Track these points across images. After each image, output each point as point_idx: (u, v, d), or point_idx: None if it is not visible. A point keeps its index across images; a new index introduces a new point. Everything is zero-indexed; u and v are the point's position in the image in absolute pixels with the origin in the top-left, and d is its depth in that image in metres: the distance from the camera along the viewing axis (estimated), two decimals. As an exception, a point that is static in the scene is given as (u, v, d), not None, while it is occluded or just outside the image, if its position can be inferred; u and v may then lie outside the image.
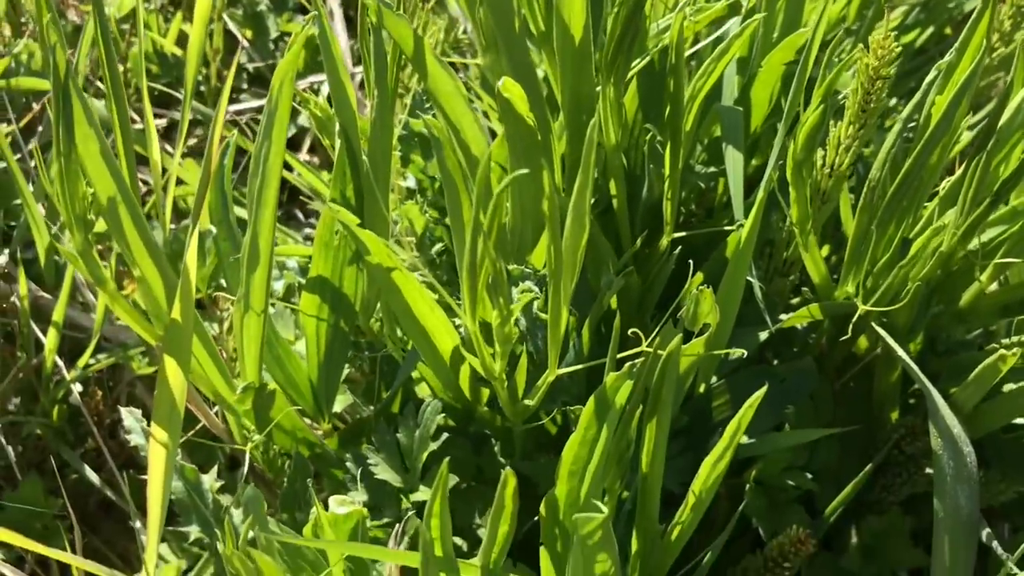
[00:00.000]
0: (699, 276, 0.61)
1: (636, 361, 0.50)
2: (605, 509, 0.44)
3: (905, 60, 1.09)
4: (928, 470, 0.71)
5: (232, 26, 1.25)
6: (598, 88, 0.63)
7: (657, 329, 0.53)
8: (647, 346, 0.52)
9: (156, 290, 0.61)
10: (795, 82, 0.67)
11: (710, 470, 0.52)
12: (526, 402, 0.60)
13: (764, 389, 0.55)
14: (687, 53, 0.79)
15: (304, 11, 1.30)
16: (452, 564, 0.47)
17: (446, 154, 0.54)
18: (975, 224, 0.59)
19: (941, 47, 1.13)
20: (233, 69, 0.86)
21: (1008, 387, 0.69)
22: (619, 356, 0.54)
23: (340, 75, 0.66)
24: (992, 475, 0.71)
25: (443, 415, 0.65)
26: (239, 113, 1.19)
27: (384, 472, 0.66)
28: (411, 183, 0.79)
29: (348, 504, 0.55)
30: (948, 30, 1.24)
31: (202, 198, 0.66)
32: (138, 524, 0.84)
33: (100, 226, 0.73)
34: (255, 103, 1.20)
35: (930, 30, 1.13)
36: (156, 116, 1.17)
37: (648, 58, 0.70)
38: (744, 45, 0.82)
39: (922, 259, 0.62)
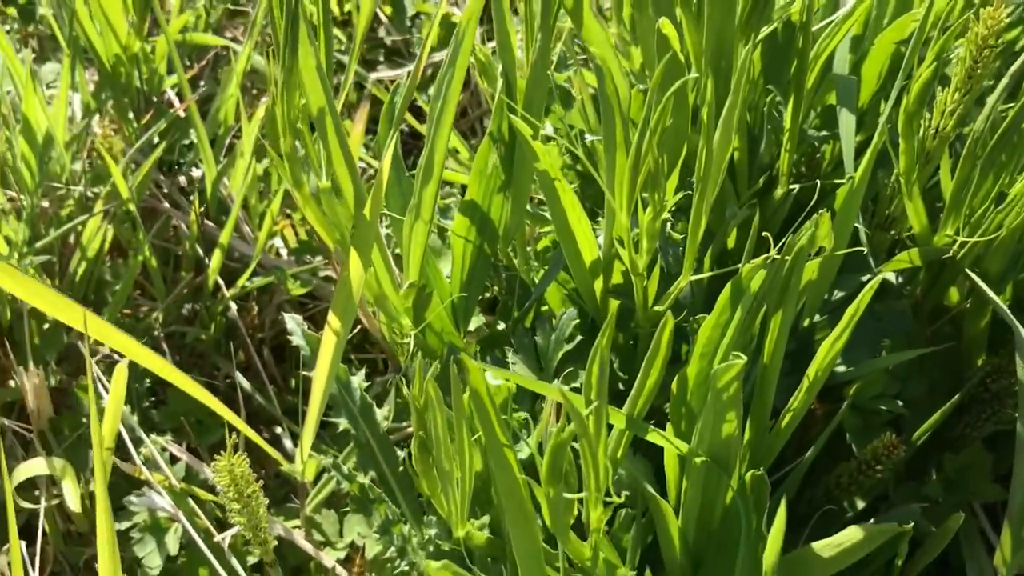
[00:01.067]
0: (826, 218, 0.69)
1: (770, 254, 0.58)
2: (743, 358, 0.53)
3: (1003, 61, 1.15)
4: (1011, 411, 0.78)
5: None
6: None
7: (781, 242, 0.62)
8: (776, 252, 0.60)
9: (347, 192, 0.71)
10: (909, 49, 0.74)
11: (827, 351, 0.61)
12: (656, 308, 0.69)
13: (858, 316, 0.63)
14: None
15: (438, -6, 1.41)
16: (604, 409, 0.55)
17: (606, 81, 0.64)
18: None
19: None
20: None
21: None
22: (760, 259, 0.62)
23: (505, 18, 0.76)
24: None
25: (577, 321, 0.74)
26: (378, 81, 1.31)
27: (521, 370, 0.76)
28: (548, 131, 0.89)
29: (502, 375, 0.65)
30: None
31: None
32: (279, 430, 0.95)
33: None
34: (391, 73, 1.32)
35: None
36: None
37: (774, 26, 0.79)
38: (859, 23, 0.90)
39: (1016, 207, 0.69)
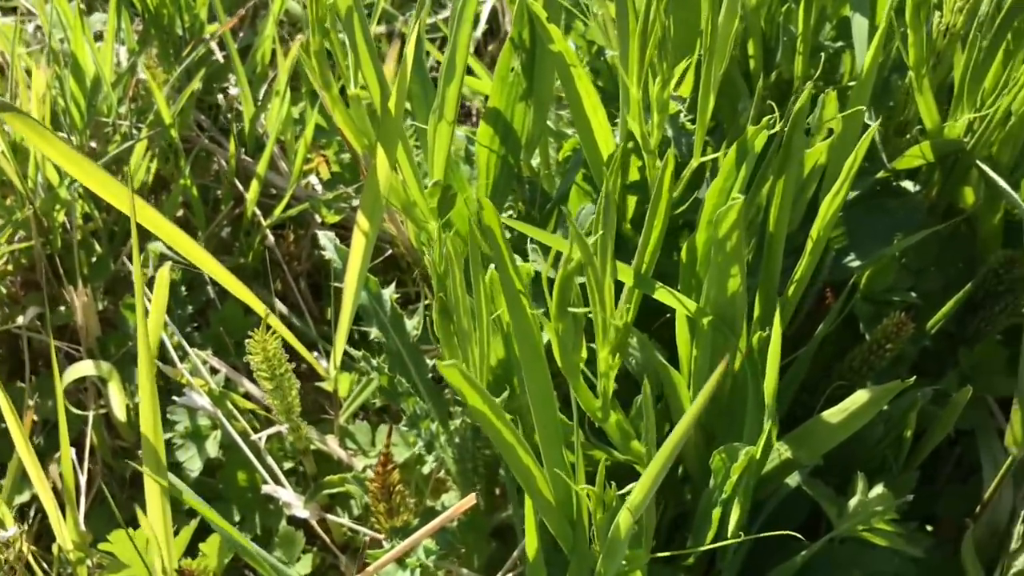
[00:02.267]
0: (832, 95, 0.72)
1: (773, 116, 0.61)
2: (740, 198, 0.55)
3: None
4: (1025, 302, 0.79)
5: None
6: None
7: (788, 113, 0.64)
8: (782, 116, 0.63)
9: (374, 91, 0.75)
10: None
11: (827, 207, 0.63)
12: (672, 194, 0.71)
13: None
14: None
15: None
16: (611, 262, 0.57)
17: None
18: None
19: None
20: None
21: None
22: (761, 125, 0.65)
23: None
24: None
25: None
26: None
27: (542, 262, 0.79)
28: (571, 45, 0.92)
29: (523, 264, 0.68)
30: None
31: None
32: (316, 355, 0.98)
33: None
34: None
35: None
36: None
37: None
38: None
39: (1022, 95, 0.71)
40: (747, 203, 0.63)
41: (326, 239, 0.91)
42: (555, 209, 0.85)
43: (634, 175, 0.78)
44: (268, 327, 0.70)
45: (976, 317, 0.80)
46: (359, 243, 0.80)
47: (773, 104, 0.62)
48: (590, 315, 0.58)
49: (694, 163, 0.69)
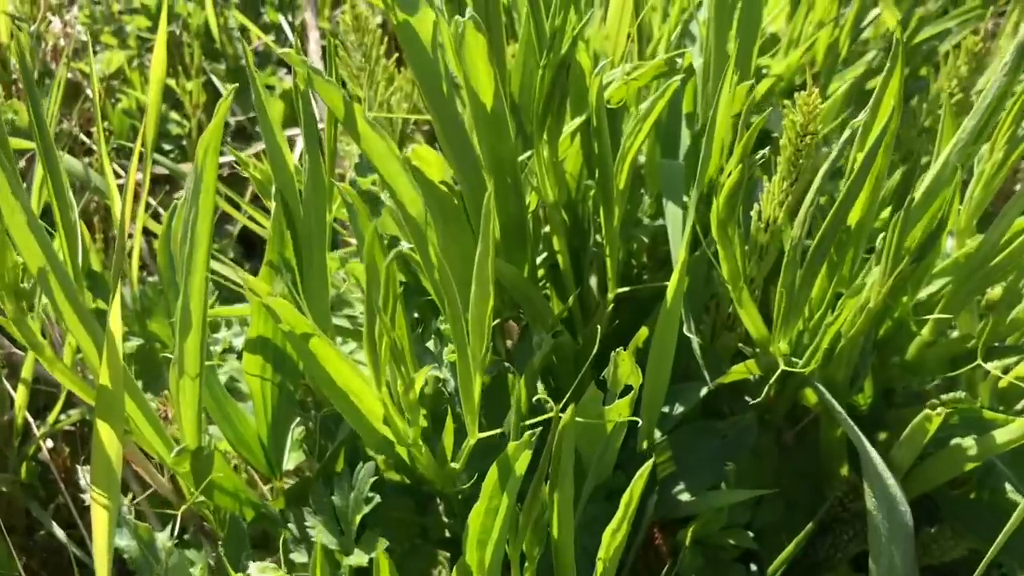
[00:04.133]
0: (644, 331, 0.61)
1: (536, 430, 0.50)
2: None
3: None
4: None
5: (215, 81, 1.28)
6: (525, 154, 0.64)
7: (563, 401, 0.53)
8: (559, 411, 0.52)
9: (91, 357, 0.62)
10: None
11: (610, 539, 0.52)
12: (452, 465, 0.60)
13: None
14: (635, 107, 0.80)
15: (288, 65, 1.32)
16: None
17: (366, 249, 0.55)
18: (899, 283, 0.59)
19: (915, 88, 1.12)
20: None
21: (955, 441, 0.68)
22: (539, 419, 0.54)
23: (276, 138, 0.67)
24: (943, 531, 0.69)
25: (394, 473, 0.65)
26: (220, 166, 1.21)
27: (322, 534, 0.66)
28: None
29: (270, 571, 0.56)
30: (924, 71, 1.24)
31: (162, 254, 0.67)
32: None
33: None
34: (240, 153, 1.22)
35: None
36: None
37: (585, 117, 0.71)
38: (688, 100, 0.82)
39: (851, 317, 0.61)
40: (527, 511, 0.52)
41: (88, 479, 0.78)
42: (341, 449, 0.73)
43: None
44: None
45: (824, 543, 0.71)
46: (101, 522, 0.66)
47: (548, 400, 0.51)
48: None
49: (470, 440, 0.57)
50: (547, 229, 0.77)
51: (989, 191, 0.66)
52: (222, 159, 1.23)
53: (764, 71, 0.98)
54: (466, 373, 0.52)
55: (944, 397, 0.63)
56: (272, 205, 0.67)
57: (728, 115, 0.79)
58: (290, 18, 1.35)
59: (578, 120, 0.71)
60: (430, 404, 0.64)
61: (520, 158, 0.70)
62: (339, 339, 0.80)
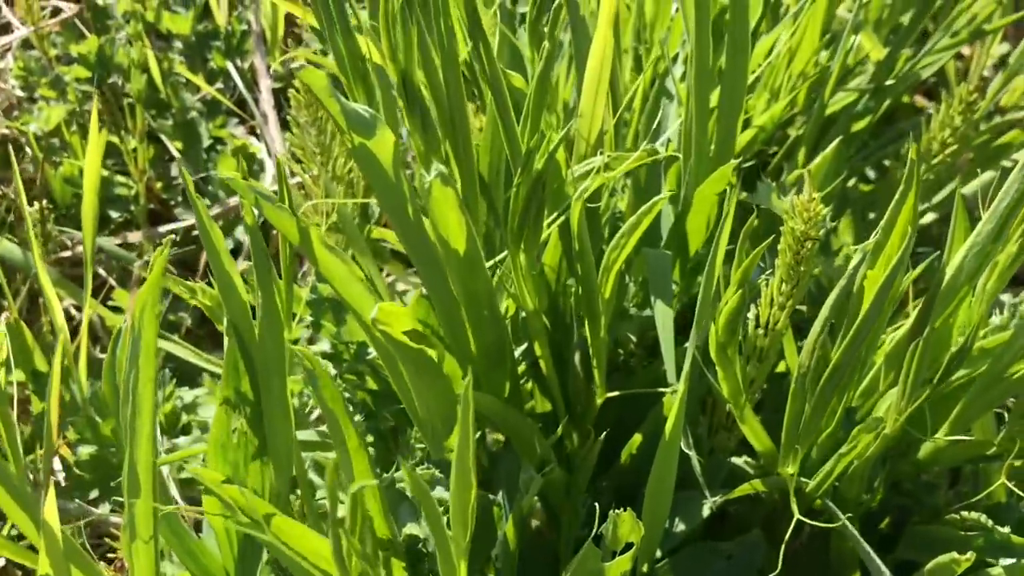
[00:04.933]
0: (637, 438, 0.56)
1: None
2: None
3: (865, 139, 1.03)
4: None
5: (163, 137, 1.20)
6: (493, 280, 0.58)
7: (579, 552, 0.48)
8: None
9: (27, 531, 0.56)
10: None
11: None
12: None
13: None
14: (613, 202, 0.74)
15: (238, 114, 1.25)
16: None
17: (322, 388, 0.49)
18: (921, 407, 0.54)
19: (899, 124, 1.07)
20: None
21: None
22: None
23: (224, 266, 0.60)
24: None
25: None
26: (174, 232, 1.14)
27: None
28: (325, 346, 0.74)
29: None
30: (906, 98, 1.19)
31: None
32: None
33: None
34: (190, 220, 1.15)
35: (886, 103, 1.07)
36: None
37: (562, 217, 0.65)
38: (672, 179, 0.77)
39: (865, 443, 0.56)
40: None
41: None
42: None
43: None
44: None
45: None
46: None
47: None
48: None
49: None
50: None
51: (1002, 282, 0.62)
52: (173, 225, 1.16)
53: (746, 117, 0.92)
54: (448, 562, 0.46)
55: (967, 519, 0.58)
56: (226, 340, 0.61)
57: (712, 194, 0.74)
58: (239, 63, 1.28)
59: (557, 221, 0.65)
60: (408, 559, 0.59)
61: (490, 263, 0.65)
62: (306, 456, 0.74)
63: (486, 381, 0.63)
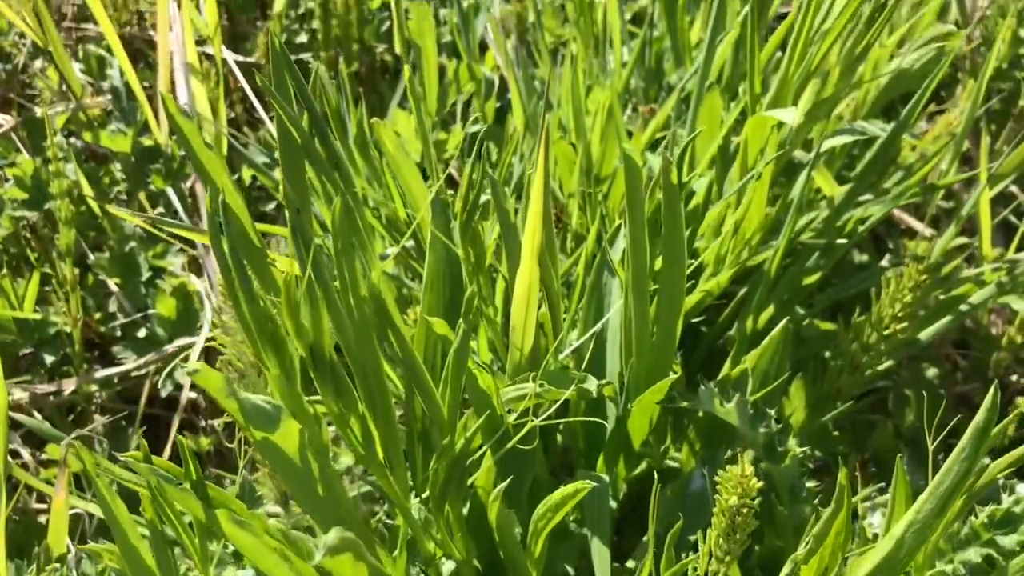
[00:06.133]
0: None
1: None
2: None
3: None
4: None
5: (101, 275, 1.16)
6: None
7: None
8: None
9: None
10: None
11: None
12: None
13: None
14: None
15: (178, 241, 1.21)
16: None
17: None
18: None
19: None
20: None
21: None
22: None
23: (132, 544, 0.57)
24: None
25: None
26: (114, 375, 1.10)
27: None
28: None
29: None
30: (866, 256, 1.16)
31: None
32: None
33: None
34: (130, 363, 1.11)
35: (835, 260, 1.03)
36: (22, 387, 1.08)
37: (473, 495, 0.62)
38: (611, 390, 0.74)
39: None
40: None
41: None
42: None
43: None
44: None
45: None
46: None
47: None
48: None
49: None
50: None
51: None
52: (110, 371, 1.11)
53: (690, 283, 0.90)
54: None
55: None
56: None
57: (652, 402, 0.72)
58: (180, 185, 1.24)
59: (488, 454, 0.62)
60: None
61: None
62: None
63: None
